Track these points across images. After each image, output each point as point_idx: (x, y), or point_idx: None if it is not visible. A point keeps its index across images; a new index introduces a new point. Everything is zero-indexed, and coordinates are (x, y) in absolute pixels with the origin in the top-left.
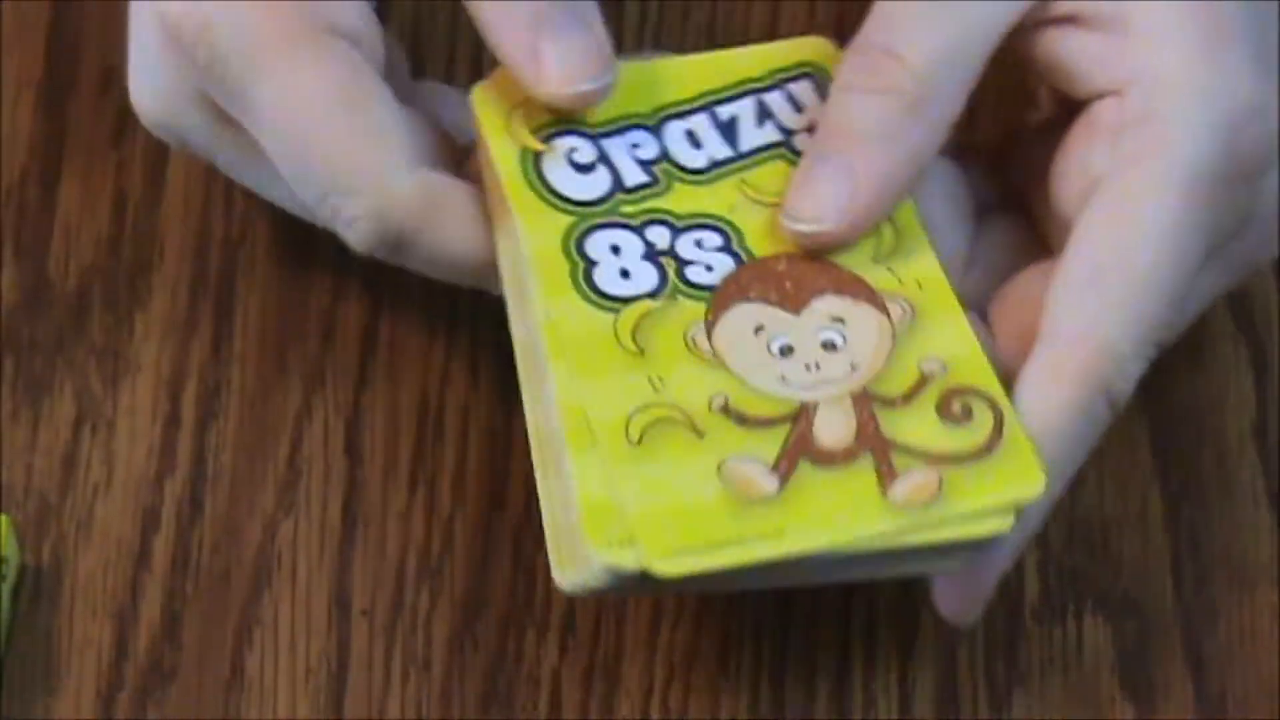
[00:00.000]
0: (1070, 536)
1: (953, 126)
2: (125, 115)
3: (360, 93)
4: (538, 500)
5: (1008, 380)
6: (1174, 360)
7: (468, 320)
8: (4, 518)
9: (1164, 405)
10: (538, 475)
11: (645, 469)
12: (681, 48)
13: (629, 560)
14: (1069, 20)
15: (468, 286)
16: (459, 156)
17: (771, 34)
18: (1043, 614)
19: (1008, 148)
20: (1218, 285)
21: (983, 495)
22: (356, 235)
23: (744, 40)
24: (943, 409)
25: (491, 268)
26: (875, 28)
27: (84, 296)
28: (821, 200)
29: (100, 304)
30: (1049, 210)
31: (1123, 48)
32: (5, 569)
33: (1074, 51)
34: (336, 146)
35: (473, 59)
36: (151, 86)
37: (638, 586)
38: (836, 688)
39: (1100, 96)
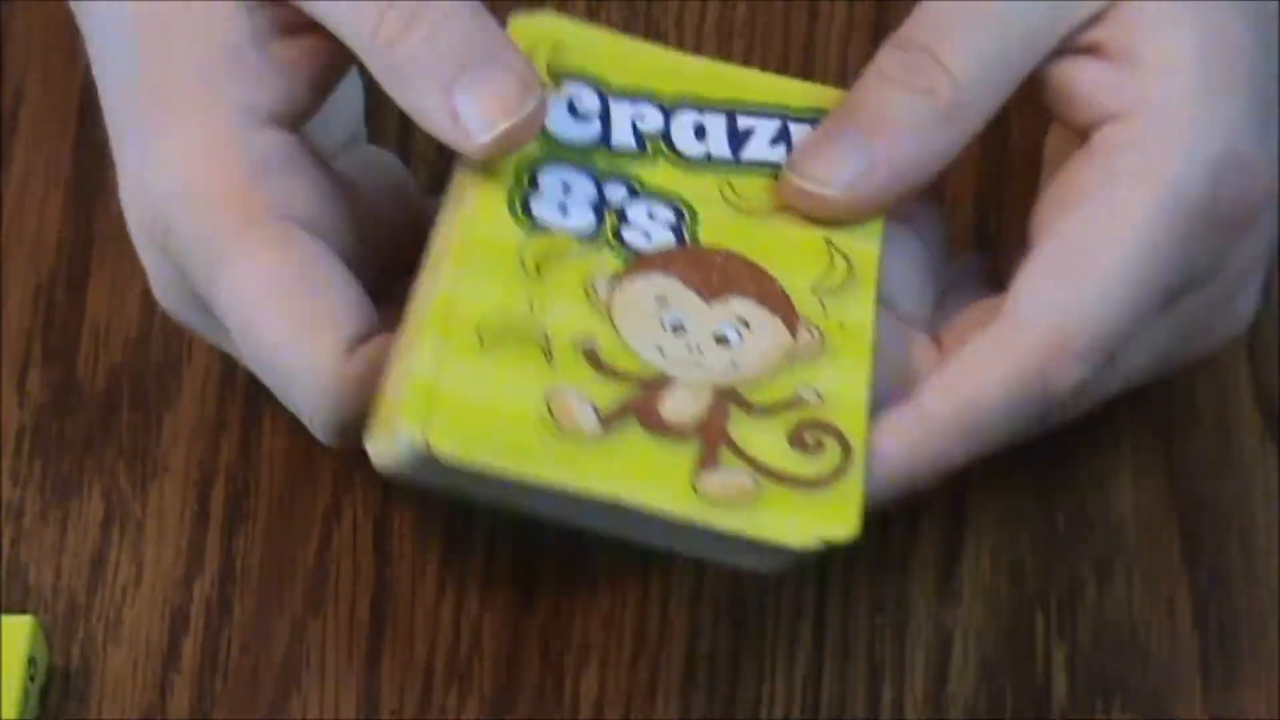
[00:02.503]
0: (1098, 634)
1: (977, 136)
2: None
3: (305, 281)
4: (566, 601)
5: None
6: (1202, 455)
7: None
8: (32, 619)
9: (1192, 501)
10: (393, 356)
11: (479, 365)
12: (719, 48)
13: (418, 433)
14: (1088, 50)
15: None
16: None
17: (810, 34)
18: (1070, 711)
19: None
20: (1173, 344)
21: (791, 517)
22: (319, 434)
23: (784, 42)
24: (794, 434)
25: None
26: (920, 25)
27: (112, 396)
28: (833, 165)
29: (129, 403)
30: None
31: (1132, 77)
32: (34, 670)
33: (1085, 79)
34: (277, 337)
35: None
36: (155, 282)
37: (440, 473)
38: None
39: (1103, 123)
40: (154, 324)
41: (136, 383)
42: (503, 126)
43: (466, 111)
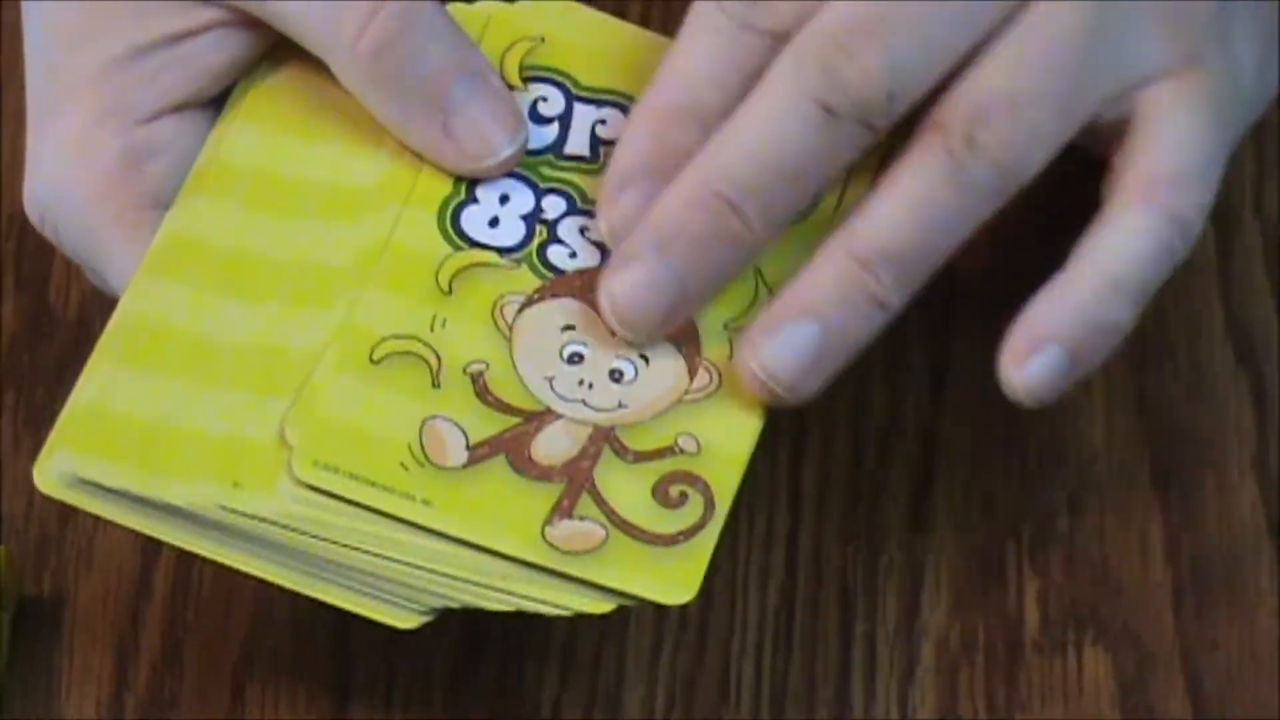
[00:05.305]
0: (1070, 566)
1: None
2: None
3: None
4: None
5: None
6: (1174, 390)
7: None
8: (4, 548)
9: (1164, 435)
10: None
11: (361, 385)
12: None
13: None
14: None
15: None
16: None
17: None
18: (1043, 644)
19: None
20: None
21: (628, 575)
22: None
23: None
24: (659, 486)
25: None
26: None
27: (85, 326)
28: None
29: (101, 333)
30: None
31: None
32: (5, 599)
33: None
34: None
35: None
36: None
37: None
38: (837, 717)
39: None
40: None
41: (109, 312)
42: (506, 153)
43: (464, 132)
